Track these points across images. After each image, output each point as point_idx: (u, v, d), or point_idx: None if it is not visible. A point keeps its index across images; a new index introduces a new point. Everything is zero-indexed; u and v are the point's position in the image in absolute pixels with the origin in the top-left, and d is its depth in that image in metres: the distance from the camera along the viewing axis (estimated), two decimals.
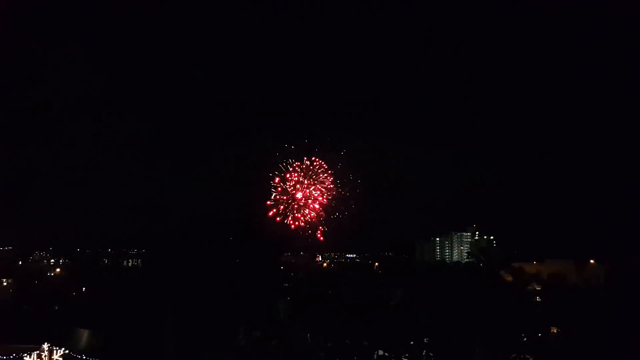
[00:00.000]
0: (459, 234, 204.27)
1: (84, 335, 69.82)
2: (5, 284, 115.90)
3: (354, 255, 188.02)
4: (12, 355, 55.36)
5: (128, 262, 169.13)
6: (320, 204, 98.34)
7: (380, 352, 45.57)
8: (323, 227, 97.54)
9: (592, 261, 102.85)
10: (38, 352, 54.71)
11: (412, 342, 45.68)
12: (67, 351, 55.35)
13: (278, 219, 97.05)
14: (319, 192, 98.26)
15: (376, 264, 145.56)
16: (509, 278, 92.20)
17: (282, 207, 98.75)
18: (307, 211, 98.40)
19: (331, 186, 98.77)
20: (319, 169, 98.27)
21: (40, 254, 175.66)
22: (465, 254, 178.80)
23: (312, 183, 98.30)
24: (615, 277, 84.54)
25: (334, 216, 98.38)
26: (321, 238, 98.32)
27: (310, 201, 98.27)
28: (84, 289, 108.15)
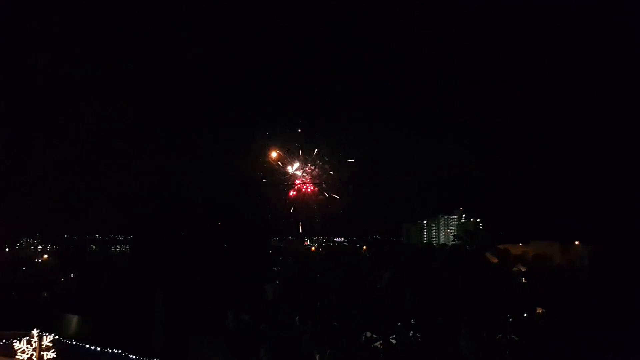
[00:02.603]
0: (445, 216, 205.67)
1: (73, 321, 69.88)
2: None
3: (342, 239, 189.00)
4: (1, 341, 55.32)
5: (116, 248, 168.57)
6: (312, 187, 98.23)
7: (368, 334, 46.16)
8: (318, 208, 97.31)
9: (577, 242, 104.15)
10: (28, 338, 54.60)
11: (399, 324, 46.29)
12: (56, 337, 55.28)
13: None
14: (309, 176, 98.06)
15: (364, 247, 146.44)
16: (495, 260, 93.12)
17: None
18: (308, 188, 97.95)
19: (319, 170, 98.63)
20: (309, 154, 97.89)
21: (27, 240, 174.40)
22: (452, 237, 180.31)
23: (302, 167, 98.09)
24: (599, 259, 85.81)
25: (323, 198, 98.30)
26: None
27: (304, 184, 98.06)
28: (72, 275, 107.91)
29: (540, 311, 67.97)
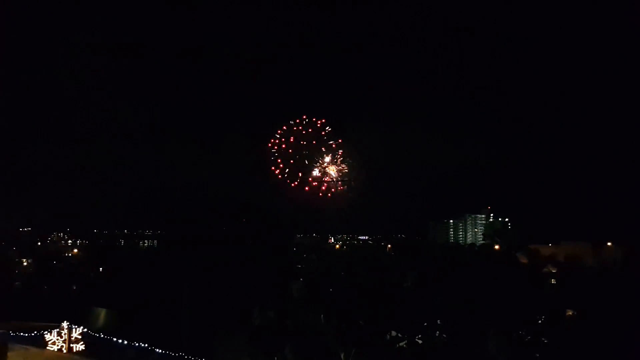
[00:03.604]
0: (473, 216, 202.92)
1: (102, 314, 71.05)
2: (25, 264, 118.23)
3: (367, 237, 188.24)
4: (33, 332, 56.70)
5: (144, 243, 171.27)
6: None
7: (393, 333, 45.59)
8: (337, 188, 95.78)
9: (609, 243, 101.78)
10: (58, 330, 55.86)
11: (425, 324, 45.62)
12: (85, 329, 56.36)
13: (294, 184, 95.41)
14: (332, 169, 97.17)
15: (389, 245, 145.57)
16: (525, 260, 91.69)
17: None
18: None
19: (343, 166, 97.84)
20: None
21: (58, 235, 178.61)
22: (480, 236, 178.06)
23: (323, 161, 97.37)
24: (633, 260, 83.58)
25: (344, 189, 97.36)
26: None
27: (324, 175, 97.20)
28: (101, 269, 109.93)
29: (571, 313, 66.57)
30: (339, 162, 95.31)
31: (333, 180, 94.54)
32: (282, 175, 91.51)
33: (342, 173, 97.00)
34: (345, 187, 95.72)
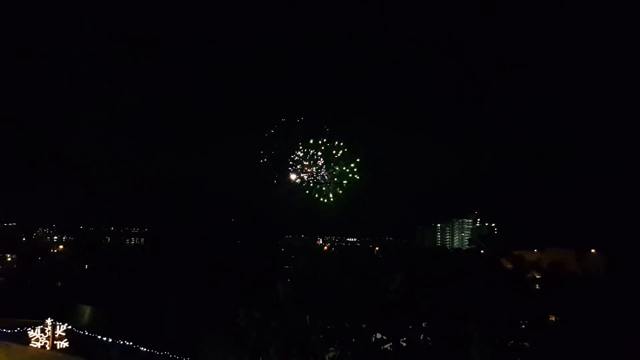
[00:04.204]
0: (460, 220, 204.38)
1: (87, 311, 70.62)
2: (9, 259, 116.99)
3: (355, 240, 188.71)
4: (17, 329, 56.12)
5: (130, 240, 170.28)
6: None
7: (379, 336, 45.90)
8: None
9: (593, 251, 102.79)
10: (42, 326, 55.38)
11: (410, 327, 45.97)
12: (69, 327, 55.97)
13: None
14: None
15: (376, 248, 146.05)
16: (509, 266, 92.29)
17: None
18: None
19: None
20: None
21: (43, 230, 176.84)
22: (466, 241, 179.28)
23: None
24: (615, 268, 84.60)
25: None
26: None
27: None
28: (86, 266, 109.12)
29: (554, 319, 67.25)
30: (327, 165, 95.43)
31: (319, 181, 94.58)
32: (268, 175, 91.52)
33: (319, 175, 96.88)
34: (323, 188, 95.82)
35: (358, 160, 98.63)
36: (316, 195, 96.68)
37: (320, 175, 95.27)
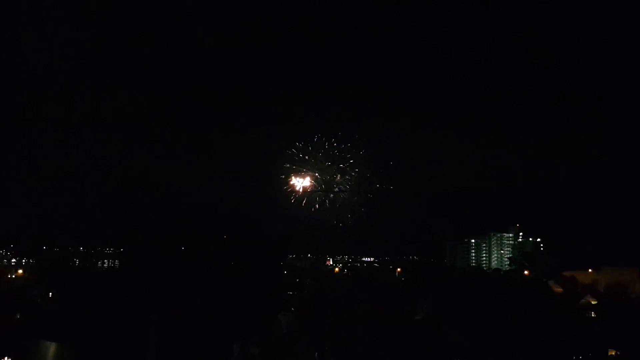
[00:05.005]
0: (498, 235, 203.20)
1: (51, 349, 70.55)
2: None
3: (372, 259, 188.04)
4: None
5: (103, 263, 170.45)
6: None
7: None
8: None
9: None
10: None
11: None
12: None
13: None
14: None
15: (398, 269, 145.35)
16: (559, 289, 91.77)
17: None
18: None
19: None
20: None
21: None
22: (507, 260, 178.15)
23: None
24: None
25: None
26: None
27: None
28: (51, 294, 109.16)
29: (614, 353, 66.49)
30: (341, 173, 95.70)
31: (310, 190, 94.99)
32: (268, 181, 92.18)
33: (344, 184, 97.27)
34: (323, 198, 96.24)
35: (378, 164, 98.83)
36: (327, 205, 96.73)
37: (331, 182, 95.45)
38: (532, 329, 54.38)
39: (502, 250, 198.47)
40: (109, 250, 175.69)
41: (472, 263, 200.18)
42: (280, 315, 63.09)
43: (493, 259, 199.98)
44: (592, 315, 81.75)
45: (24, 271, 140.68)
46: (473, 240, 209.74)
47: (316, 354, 44.20)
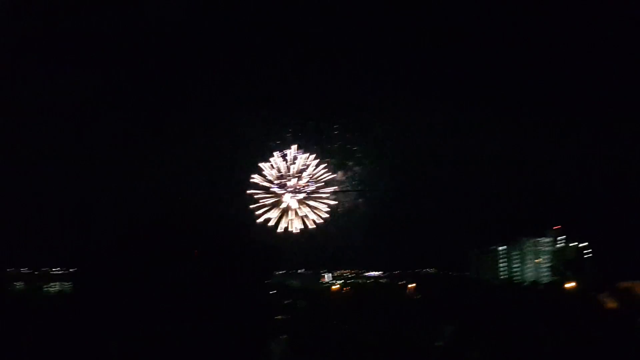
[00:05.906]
0: (533, 240, 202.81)
1: None
2: None
3: (379, 274, 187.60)
4: None
5: (51, 286, 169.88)
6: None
7: None
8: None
9: None
10: None
11: None
12: None
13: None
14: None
15: (411, 285, 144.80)
16: (612, 304, 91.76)
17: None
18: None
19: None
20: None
21: None
22: (544, 271, 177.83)
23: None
24: None
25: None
26: None
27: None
28: None
29: None
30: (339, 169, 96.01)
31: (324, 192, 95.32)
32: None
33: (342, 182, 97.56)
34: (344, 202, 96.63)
35: (383, 156, 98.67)
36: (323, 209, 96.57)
37: (326, 180, 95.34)
38: (579, 351, 54.11)
39: (539, 259, 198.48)
40: (58, 270, 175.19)
41: (503, 275, 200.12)
42: (270, 345, 62.91)
43: (527, 270, 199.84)
44: None
45: None
46: (502, 248, 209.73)
47: None
